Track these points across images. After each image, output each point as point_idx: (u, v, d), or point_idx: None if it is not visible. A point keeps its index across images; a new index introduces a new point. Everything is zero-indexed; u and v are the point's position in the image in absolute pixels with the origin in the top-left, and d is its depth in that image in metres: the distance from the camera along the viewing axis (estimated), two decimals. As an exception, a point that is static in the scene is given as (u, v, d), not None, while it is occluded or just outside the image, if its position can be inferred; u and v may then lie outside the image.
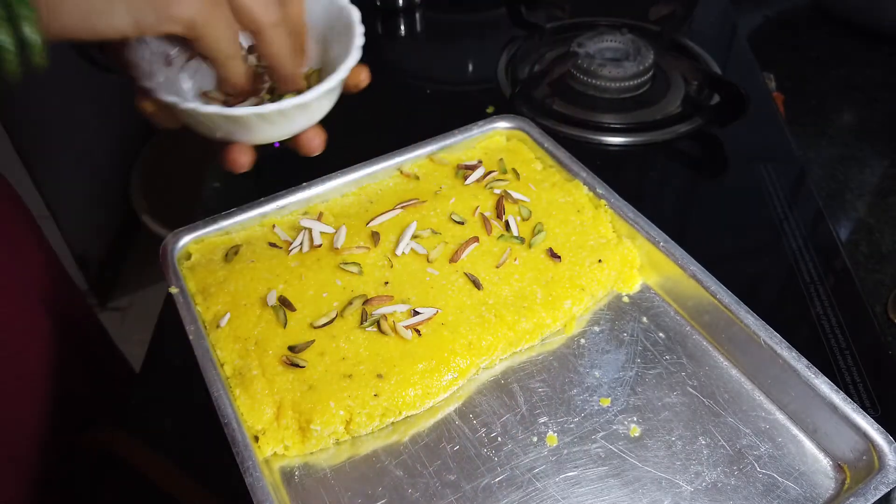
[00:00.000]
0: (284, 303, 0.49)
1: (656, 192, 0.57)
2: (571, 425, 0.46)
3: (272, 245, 0.53)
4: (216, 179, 0.74)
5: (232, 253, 0.52)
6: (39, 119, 1.34)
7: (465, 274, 0.51)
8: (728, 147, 0.75)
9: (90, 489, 0.61)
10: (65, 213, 1.41)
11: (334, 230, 0.54)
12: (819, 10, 1.04)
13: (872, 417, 0.44)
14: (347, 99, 0.70)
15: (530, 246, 0.53)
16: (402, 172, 0.59)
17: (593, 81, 0.79)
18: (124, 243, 1.66)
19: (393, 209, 0.55)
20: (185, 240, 0.53)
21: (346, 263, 0.51)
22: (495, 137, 0.62)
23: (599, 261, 0.52)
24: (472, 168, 0.59)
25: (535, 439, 0.45)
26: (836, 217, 0.74)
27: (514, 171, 0.59)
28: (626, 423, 0.46)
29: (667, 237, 0.53)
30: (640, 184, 0.57)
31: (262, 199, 0.55)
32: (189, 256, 0.53)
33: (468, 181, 0.58)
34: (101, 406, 0.68)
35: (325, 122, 0.75)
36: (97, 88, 1.51)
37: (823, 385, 0.45)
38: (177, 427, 0.52)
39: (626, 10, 0.91)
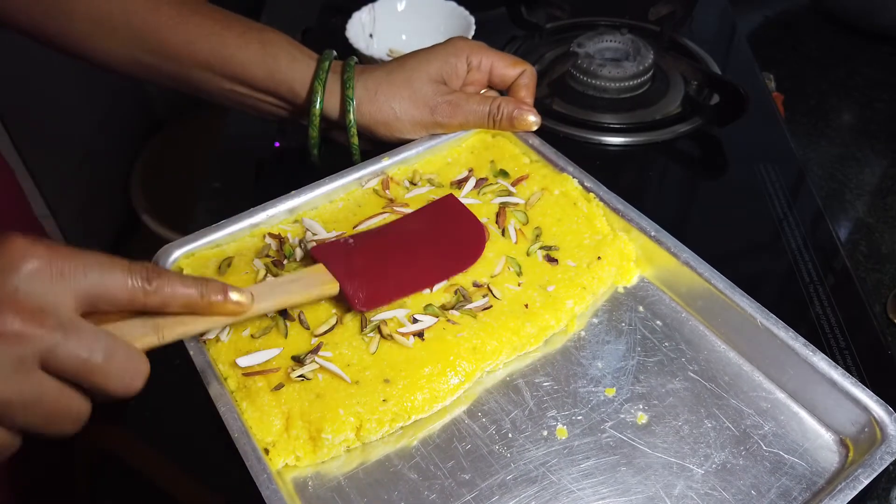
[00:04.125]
0: (282, 313, 0.49)
1: (656, 191, 0.57)
2: (579, 417, 0.47)
3: (266, 255, 0.52)
4: (216, 179, 0.75)
5: (225, 265, 0.51)
6: (40, 119, 1.34)
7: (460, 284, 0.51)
8: (728, 147, 0.75)
9: (90, 489, 0.60)
10: (65, 213, 1.41)
11: (325, 233, 0.53)
12: (819, 11, 1.04)
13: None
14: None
15: (528, 253, 0.53)
16: (392, 179, 0.59)
17: (593, 81, 0.79)
18: (124, 243, 1.66)
19: (381, 212, 0.55)
20: (176, 255, 0.52)
21: None
22: (481, 134, 0.62)
23: (599, 258, 0.53)
24: (464, 180, 0.58)
25: (545, 433, 0.46)
26: (835, 217, 0.74)
27: (503, 171, 0.59)
28: (632, 411, 0.47)
29: (658, 227, 0.54)
30: (639, 184, 0.58)
31: (251, 209, 0.54)
32: (181, 272, 0.51)
33: (463, 193, 0.57)
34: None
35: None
36: (98, 89, 1.51)
37: (822, 362, 0.46)
38: (177, 427, 0.52)
39: (626, 10, 0.91)
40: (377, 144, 0.61)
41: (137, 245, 1.67)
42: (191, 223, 0.68)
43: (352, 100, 0.58)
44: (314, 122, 0.59)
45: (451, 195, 0.56)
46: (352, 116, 0.59)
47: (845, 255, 0.63)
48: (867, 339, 0.56)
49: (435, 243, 0.52)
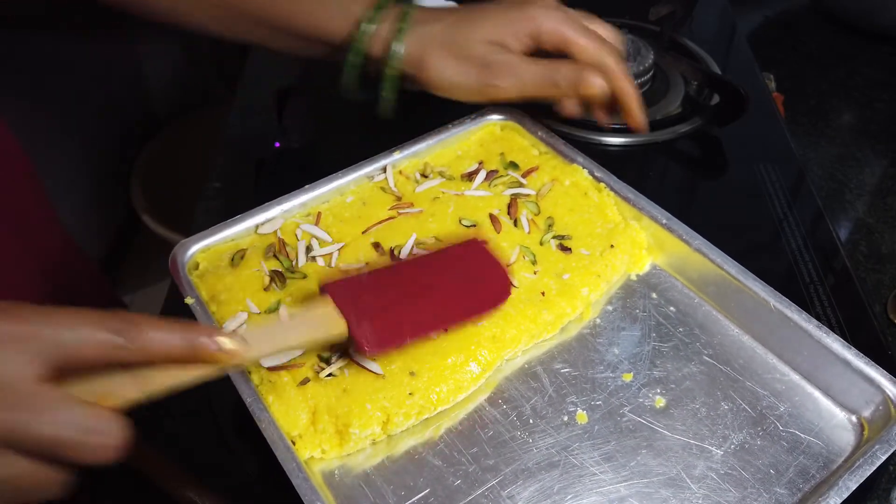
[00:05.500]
0: None
1: (656, 192, 0.57)
2: (598, 402, 0.47)
3: (276, 256, 0.53)
4: (216, 179, 0.74)
5: (238, 258, 0.52)
6: (40, 119, 1.34)
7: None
8: (728, 147, 0.75)
9: (90, 489, 0.60)
10: (65, 213, 1.41)
11: (331, 240, 0.54)
12: (819, 11, 1.04)
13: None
14: (352, 102, 0.70)
15: (541, 243, 0.54)
16: (401, 173, 0.59)
17: (593, 81, 0.79)
18: (124, 243, 1.66)
19: (388, 218, 0.55)
20: (193, 250, 0.52)
21: None
22: (489, 128, 0.63)
23: (612, 246, 0.53)
24: (475, 172, 0.59)
25: (565, 418, 0.47)
26: (835, 217, 0.74)
27: (513, 163, 0.59)
28: (650, 395, 0.48)
29: (669, 215, 0.54)
30: (639, 184, 0.58)
31: (265, 204, 0.55)
32: (197, 266, 0.52)
33: (474, 185, 0.58)
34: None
35: (332, 126, 0.76)
36: (98, 89, 1.51)
37: (835, 343, 0.47)
38: (177, 427, 0.52)
39: (626, 10, 0.91)
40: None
41: (137, 245, 1.67)
42: (191, 223, 0.68)
43: (398, 53, 0.56)
44: (349, 70, 0.57)
45: (475, 239, 0.52)
46: (392, 71, 0.56)
47: (845, 255, 0.63)
48: (867, 339, 0.56)
49: (454, 286, 0.49)
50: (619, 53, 0.56)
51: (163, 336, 0.34)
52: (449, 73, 0.55)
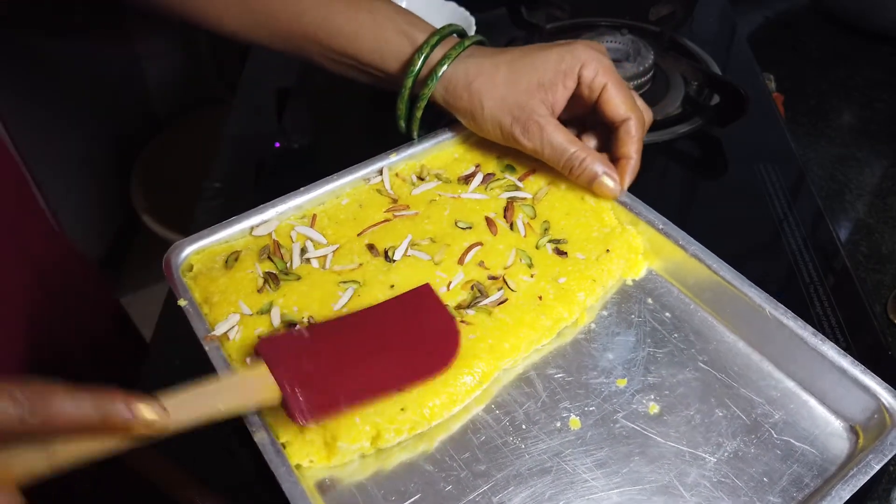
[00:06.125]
0: (289, 324, 0.48)
1: (656, 192, 0.57)
2: (592, 408, 0.47)
3: (270, 258, 0.52)
4: (216, 179, 0.75)
5: (232, 259, 0.52)
6: (39, 119, 1.34)
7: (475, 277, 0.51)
8: (728, 147, 0.75)
9: (90, 489, 0.61)
10: (65, 213, 1.41)
11: (326, 242, 0.53)
12: (819, 11, 1.04)
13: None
14: (352, 102, 0.71)
15: (537, 246, 0.53)
16: (397, 176, 0.59)
17: (593, 82, 0.79)
18: (124, 243, 1.66)
19: (384, 220, 0.55)
20: (187, 251, 0.52)
21: (346, 282, 0.51)
22: None
23: (607, 251, 0.53)
24: (471, 175, 0.58)
25: (558, 424, 0.46)
26: (835, 217, 0.74)
27: (510, 166, 0.59)
28: (644, 401, 0.47)
29: (666, 220, 0.54)
30: (639, 184, 0.58)
31: (261, 206, 0.55)
32: (191, 267, 0.52)
33: (470, 188, 0.57)
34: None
35: (332, 126, 0.76)
36: (98, 89, 1.52)
37: (831, 350, 0.46)
38: (176, 427, 0.52)
39: (626, 10, 0.91)
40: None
41: (137, 245, 1.67)
42: (191, 223, 0.68)
43: (437, 76, 0.57)
44: (403, 94, 0.59)
45: (426, 285, 0.49)
46: (428, 91, 0.57)
47: (845, 255, 0.63)
48: (867, 340, 0.56)
49: (402, 344, 0.46)
50: (644, 122, 0.57)
51: (72, 406, 0.33)
52: (486, 111, 0.56)
